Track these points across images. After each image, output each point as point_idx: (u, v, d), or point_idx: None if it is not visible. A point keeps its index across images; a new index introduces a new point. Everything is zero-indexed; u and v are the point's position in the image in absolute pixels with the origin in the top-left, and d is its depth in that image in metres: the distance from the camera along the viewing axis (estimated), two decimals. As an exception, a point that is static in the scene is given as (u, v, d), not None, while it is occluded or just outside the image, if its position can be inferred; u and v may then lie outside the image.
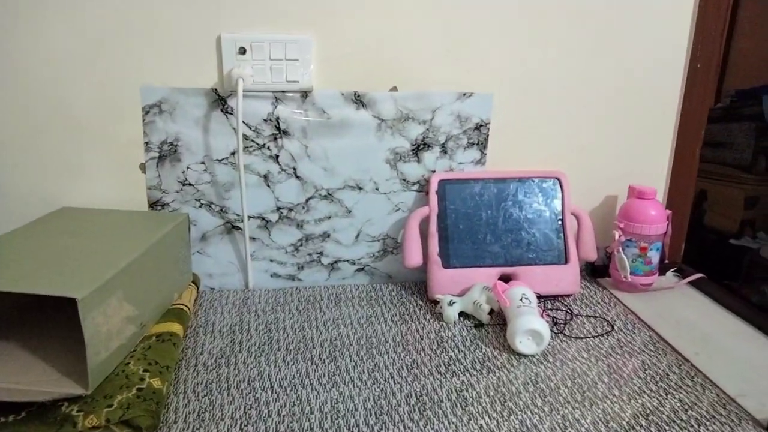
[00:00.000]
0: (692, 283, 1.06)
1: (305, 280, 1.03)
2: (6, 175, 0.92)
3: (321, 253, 1.02)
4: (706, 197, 2.15)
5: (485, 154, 1.02)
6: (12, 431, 0.60)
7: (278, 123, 0.94)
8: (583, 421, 0.68)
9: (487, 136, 1.01)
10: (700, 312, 0.96)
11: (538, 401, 0.72)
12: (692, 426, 0.67)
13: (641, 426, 0.67)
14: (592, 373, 0.78)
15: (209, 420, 0.67)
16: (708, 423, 0.68)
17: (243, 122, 0.93)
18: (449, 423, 0.67)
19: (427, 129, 0.99)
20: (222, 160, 0.95)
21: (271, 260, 1.01)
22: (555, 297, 1.00)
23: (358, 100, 0.95)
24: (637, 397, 0.73)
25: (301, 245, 1.01)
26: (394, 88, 0.96)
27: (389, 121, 0.97)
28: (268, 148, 0.95)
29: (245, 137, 0.94)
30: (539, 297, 0.98)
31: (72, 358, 0.68)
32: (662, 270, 1.10)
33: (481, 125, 1.00)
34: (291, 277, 1.03)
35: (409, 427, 0.66)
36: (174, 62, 0.90)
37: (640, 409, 0.70)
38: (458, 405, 0.70)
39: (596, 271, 1.09)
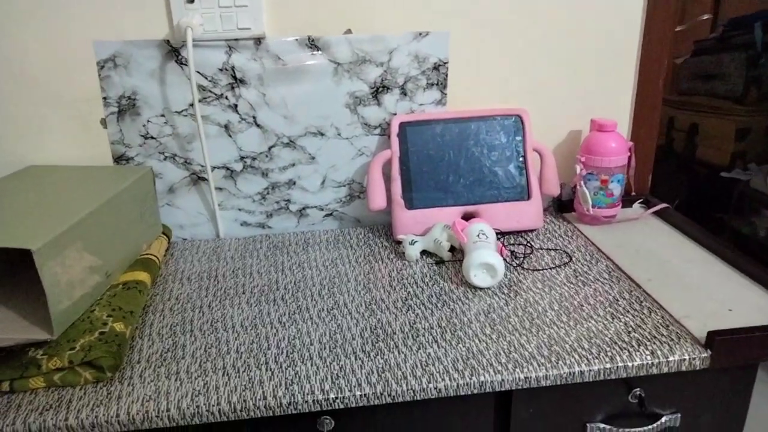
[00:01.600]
0: (657, 214, 1.08)
1: (275, 227, 1.06)
2: (-29, 136, 0.94)
3: (288, 201, 1.04)
4: (697, 131, 2.13)
5: (445, 94, 1.02)
6: (-19, 375, 0.64)
7: (234, 72, 0.95)
8: (527, 346, 0.71)
9: (446, 75, 1.01)
10: (661, 241, 0.98)
11: (487, 330, 0.75)
12: (632, 346, 0.70)
13: (583, 348, 0.70)
14: (544, 302, 0.81)
15: (170, 359, 0.70)
16: (648, 343, 0.71)
17: (198, 72, 0.94)
18: (399, 353, 0.70)
19: (385, 71, 0.98)
20: (181, 111, 0.96)
21: (240, 209, 1.03)
22: (519, 232, 1.02)
23: (313, 45, 0.95)
24: (584, 322, 0.76)
25: (268, 193, 1.03)
26: (348, 31, 0.96)
27: (345, 64, 0.97)
28: (226, 97, 0.96)
29: (202, 88, 0.95)
30: (502, 233, 1.00)
31: (39, 307, 0.72)
32: (629, 202, 1.11)
33: (439, 65, 1.00)
34: (261, 225, 1.05)
35: (360, 358, 0.70)
36: (124, 15, 0.90)
37: (584, 333, 0.73)
38: (410, 336, 0.74)
39: (563, 206, 1.11)
